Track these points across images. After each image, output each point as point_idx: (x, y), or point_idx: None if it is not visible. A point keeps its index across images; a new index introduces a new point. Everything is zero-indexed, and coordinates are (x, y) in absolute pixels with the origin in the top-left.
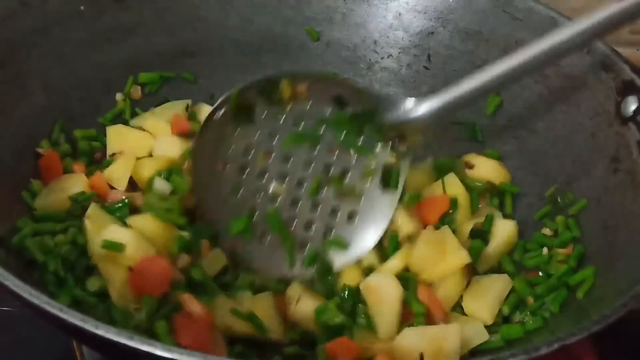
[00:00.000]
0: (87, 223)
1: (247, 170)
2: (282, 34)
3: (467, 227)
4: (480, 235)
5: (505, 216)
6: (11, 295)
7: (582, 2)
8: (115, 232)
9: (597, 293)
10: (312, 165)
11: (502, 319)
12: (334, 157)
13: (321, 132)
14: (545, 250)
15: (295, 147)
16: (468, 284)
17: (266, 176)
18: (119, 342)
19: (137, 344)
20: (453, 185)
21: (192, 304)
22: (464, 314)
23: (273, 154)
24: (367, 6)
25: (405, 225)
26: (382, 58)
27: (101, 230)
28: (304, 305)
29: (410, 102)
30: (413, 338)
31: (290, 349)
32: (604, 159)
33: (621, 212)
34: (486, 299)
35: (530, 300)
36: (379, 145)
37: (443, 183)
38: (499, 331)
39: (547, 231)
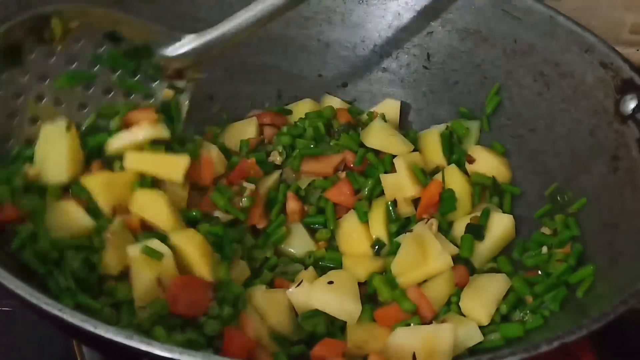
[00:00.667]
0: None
1: (17, 118)
2: (281, 34)
3: (463, 222)
4: (476, 230)
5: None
6: (11, 295)
7: (582, 2)
8: (156, 243)
9: (596, 291)
10: (88, 108)
11: (501, 318)
12: (110, 96)
13: (95, 70)
14: (544, 249)
15: (69, 89)
16: (466, 282)
17: (38, 123)
18: (118, 342)
19: (136, 343)
20: (453, 177)
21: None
22: (462, 313)
23: (45, 98)
24: (366, 6)
25: (408, 188)
26: (381, 58)
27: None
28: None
29: (184, 38)
30: (406, 337)
31: (296, 349)
32: (604, 157)
33: (621, 211)
34: (483, 298)
35: (529, 299)
36: (157, 82)
37: (443, 175)
38: (499, 330)
39: (546, 230)
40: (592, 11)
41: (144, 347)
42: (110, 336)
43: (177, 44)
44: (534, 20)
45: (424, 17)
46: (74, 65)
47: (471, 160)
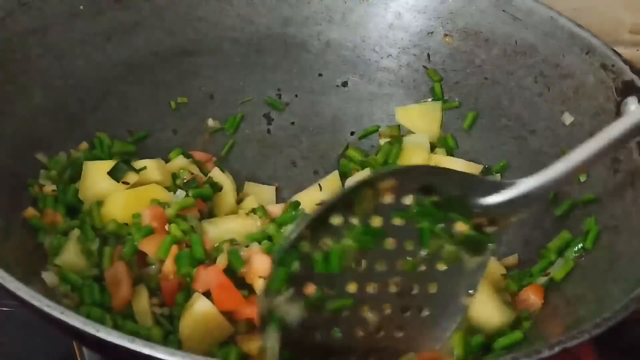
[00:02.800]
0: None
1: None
2: (282, 33)
3: None
4: None
5: None
6: (12, 296)
7: (582, 2)
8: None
9: (597, 295)
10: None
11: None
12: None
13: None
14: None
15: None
16: None
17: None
18: (120, 345)
19: (139, 346)
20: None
21: None
22: None
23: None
24: (366, 6)
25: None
26: (381, 58)
27: None
28: None
29: (510, 188)
30: None
31: None
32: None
33: (621, 213)
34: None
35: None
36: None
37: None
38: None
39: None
40: (592, 11)
41: (146, 350)
42: (112, 339)
43: (496, 197)
44: (534, 21)
45: (425, 17)
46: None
47: None
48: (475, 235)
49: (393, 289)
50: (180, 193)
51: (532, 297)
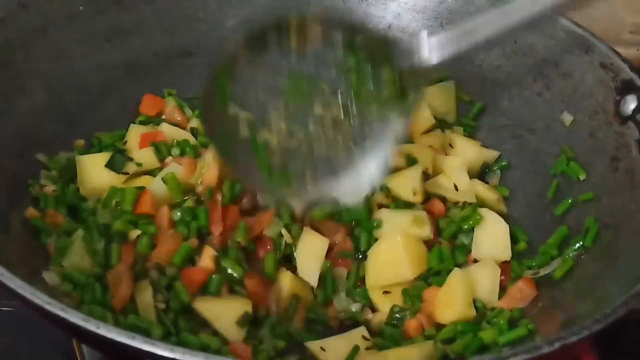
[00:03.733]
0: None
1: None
2: None
3: None
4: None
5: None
6: (13, 295)
7: None
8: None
9: (597, 293)
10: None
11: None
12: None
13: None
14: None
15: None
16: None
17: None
18: (120, 342)
19: (139, 343)
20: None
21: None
22: None
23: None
24: (365, 6)
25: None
26: None
27: None
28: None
29: (425, 50)
30: None
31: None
32: (604, 158)
33: (621, 211)
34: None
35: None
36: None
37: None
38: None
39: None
40: (592, 11)
41: (146, 347)
42: (112, 336)
43: (416, 59)
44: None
45: (424, 17)
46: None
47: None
48: (400, 83)
49: (326, 121)
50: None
51: (525, 289)
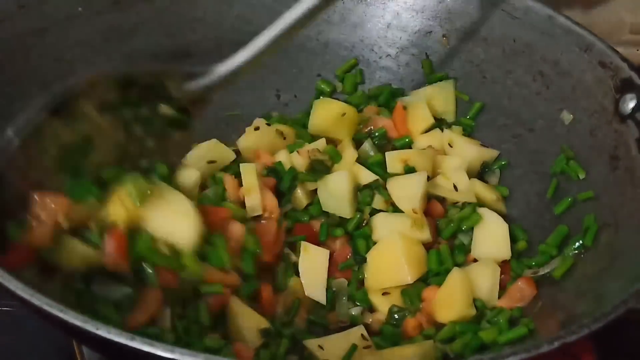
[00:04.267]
0: None
1: None
2: None
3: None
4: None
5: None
6: (12, 296)
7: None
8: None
9: (596, 292)
10: None
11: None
12: None
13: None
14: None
15: None
16: None
17: None
18: (120, 343)
19: (138, 344)
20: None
21: None
22: None
23: None
24: (365, 6)
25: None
26: (380, 58)
27: None
28: None
29: (205, 76)
30: None
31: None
32: (603, 156)
33: (620, 210)
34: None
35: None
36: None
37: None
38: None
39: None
40: (592, 11)
41: (146, 348)
42: (112, 337)
43: (189, 84)
44: (533, 20)
45: (423, 16)
46: None
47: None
48: (177, 115)
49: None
50: None
51: (525, 288)
